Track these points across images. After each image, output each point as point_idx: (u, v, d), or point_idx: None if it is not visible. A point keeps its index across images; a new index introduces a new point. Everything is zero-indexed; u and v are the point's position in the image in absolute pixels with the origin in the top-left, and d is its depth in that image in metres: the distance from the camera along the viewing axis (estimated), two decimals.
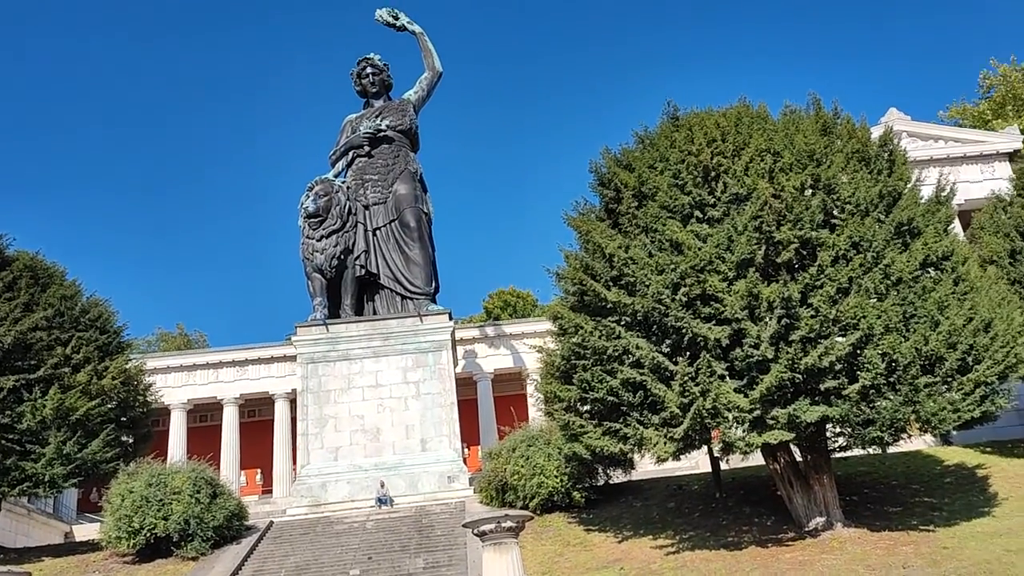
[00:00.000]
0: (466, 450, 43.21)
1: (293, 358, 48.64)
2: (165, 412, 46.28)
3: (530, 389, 49.11)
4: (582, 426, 24.85)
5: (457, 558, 26.61)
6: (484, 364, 50.86)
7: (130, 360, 32.93)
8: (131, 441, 32.18)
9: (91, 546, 30.69)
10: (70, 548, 32.05)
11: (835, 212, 23.21)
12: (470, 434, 45.36)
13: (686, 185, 23.58)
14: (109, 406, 29.70)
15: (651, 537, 25.53)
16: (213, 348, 53.77)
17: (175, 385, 47.53)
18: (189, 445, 46.33)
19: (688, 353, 22.29)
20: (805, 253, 22.76)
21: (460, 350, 46.57)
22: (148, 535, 26.70)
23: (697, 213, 23.40)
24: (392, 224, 40.43)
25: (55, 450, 27.30)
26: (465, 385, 46.07)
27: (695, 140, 24.11)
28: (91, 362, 29.50)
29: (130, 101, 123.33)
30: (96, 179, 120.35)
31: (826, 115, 25.30)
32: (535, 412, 44.89)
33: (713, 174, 23.77)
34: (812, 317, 21.40)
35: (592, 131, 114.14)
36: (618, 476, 31.01)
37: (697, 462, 36.06)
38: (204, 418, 51.68)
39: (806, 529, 23.67)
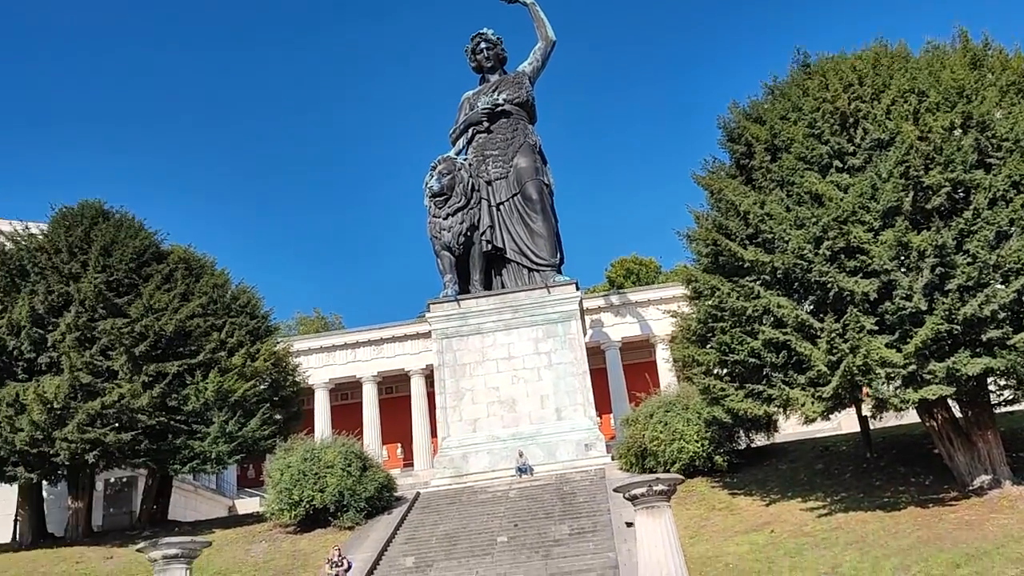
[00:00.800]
0: (598, 419, 43.31)
1: (426, 335, 49.99)
2: (309, 392, 48.45)
3: (659, 355, 48.84)
4: (723, 389, 24.46)
5: (601, 524, 26.81)
6: (611, 333, 50.69)
7: (278, 343, 34.67)
8: (283, 419, 33.88)
9: (255, 518, 32.73)
10: (236, 520, 34.24)
11: (990, 151, 21.70)
12: (600, 403, 45.22)
13: (823, 134, 22.62)
14: (262, 387, 31.36)
15: (800, 499, 24.92)
16: (350, 329, 55.78)
17: (317, 366, 49.56)
18: (333, 422, 48.41)
19: (833, 309, 21.48)
20: (958, 197, 21.47)
21: (587, 320, 46.55)
22: (307, 507, 28.16)
23: (836, 163, 22.43)
24: (515, 198, 40.69)
25: (219, 429, 29.09)
26: (593, 355, 45.98)
27: (830, 86, 23.05)
28: (244, 346, 31.21)
29: (265, 98, 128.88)
30: (231, 173, 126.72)
31: (975, 48, 23.64)
32: (667, 378, 44.69)
33: (851, 120, 22.69)
34: (969, 264, 20.20)
35: (712, 88, 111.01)
36: (760, 439, 30.38)
37: (840, 423, 34.81)
38: (345, 396, 53.84)
39: (970, 488, 22.51)
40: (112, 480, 35.69)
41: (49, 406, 26.59)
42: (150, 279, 30.43)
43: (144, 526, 32.16)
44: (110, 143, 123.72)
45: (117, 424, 27.57)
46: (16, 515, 32.64)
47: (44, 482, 31.34)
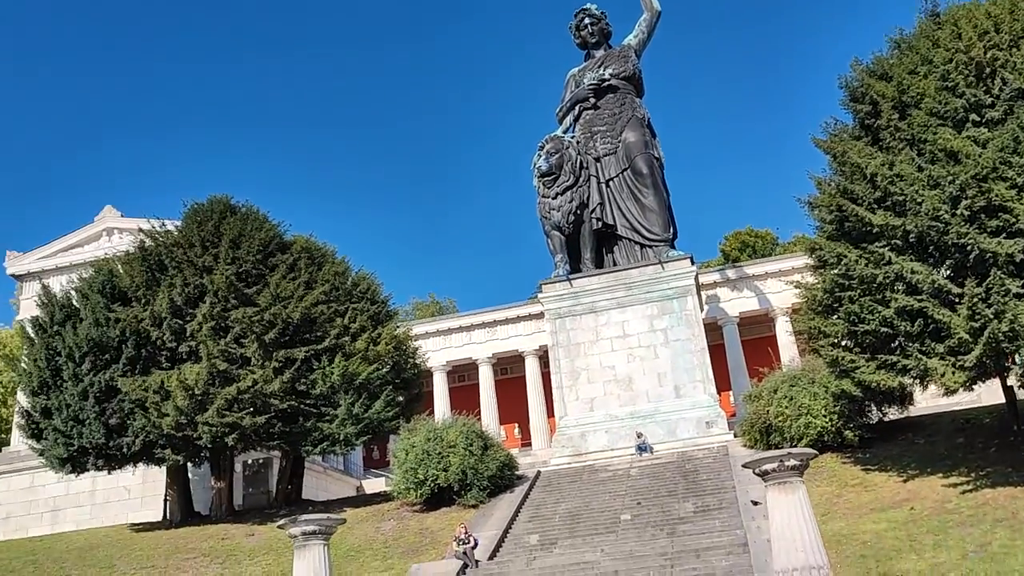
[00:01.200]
0: (718, 396, 42.43)
1: (539, 316, 50.19)
2: (428, 374, 49.53)
3: (780, 329, 47.39)
4: (852, 361, 23.48)
5: (727, 501, 26.31)
6: (728, 308, 49.49)
7: (398, 327, 35.54)
8: (405, 401, 34.74)
9: (382, 497, 33.79)
10: (364, 500, 35.45)
11: None
12: (718, 381, 44.31)
13: (957, 87, 21.25)
14: (384, 370, 32.17)
15: (941, 475, 23.70)
16: (464, 312, 56.57)
17: (433, 349, 50.50)
18: (451, 404, 49.31)
19: (974, 273, 20.24)
20: None
21: (702, 295, 45.61)
22: (432, 486, 28.83)
23: (973, 116, 21.05)
24: (624, 173, 40.16)
25: (345, 411, 30.10)
26: (710, 331, 44.96)
27: (963, 35, 21.61)
28: (366, 330, 32.13)
29: (375, 87, 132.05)
30: (343, 165, 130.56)
31: None
32: (789, 352, 43.32)
33: (988, 70, 21.23)
34: None
35: (829, 48, 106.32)
36: (893, 413, 29.06)
37: (980, 395, 32.89)
38: (462, 378, 54.72)
39: None
40: (249, 462, 37.57)
41: (191, 392, 28.16)
42: (276, 269, 31.69)
43: (280, 505, 33.72)
44: (231, 141, 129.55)
45: (252, 408, 28.94)
46: (166, 495, 34.85)
47: (189, 464, 33.28)
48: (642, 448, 33.59)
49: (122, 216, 45.47)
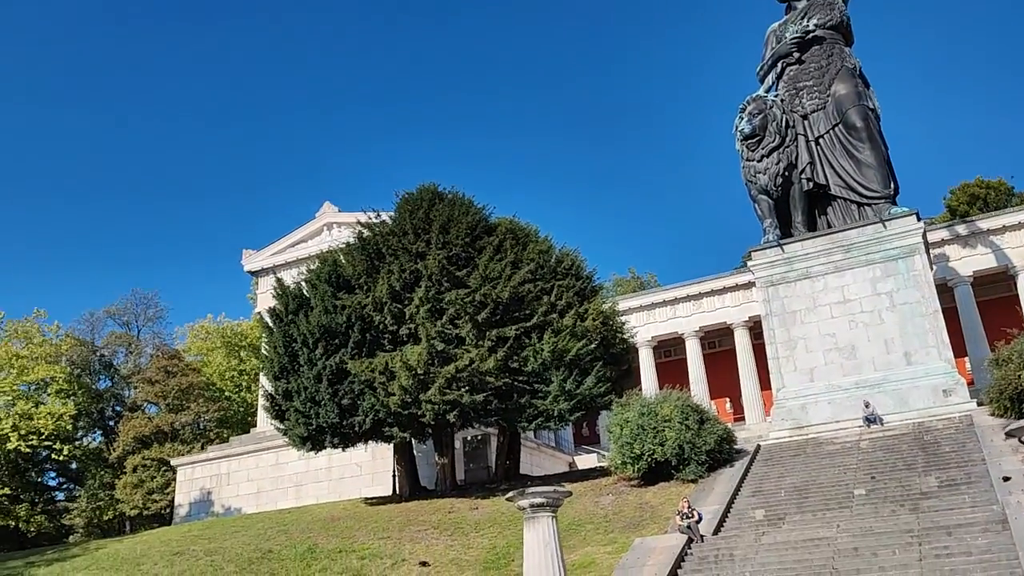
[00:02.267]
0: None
1: (745, 286, 48.52)
2: (633, 350, 49.25)
3: (1023, 287, 42.96)
4: None
5: (976, 475, 24.12)
6: (959, 267, 45.43)
7: (605, 302, 35.50)
8: (615, 376, 34.66)
9: (598, 472, 33.97)
10: (580, 475, 35.84)
11: None
12: (952, 346, 40.79)
13: None
14: (593, 345, 32.23)
15: None
16: (667, 286, 55.67)
17: (638, 324, 50.09)
18: (658, 380, 48.75)
19: None
20: None
21: (930, 254, 42.01)
22: (648, 460, 28.58)
23: None
24: (835, 129, 37.63)
25: (558, 387, 30.49)
26: (939, 293, 41.43)
27: None
28: (573, 307, 32.35)
29: (572, 50, 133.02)
30: (540, 141, 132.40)
31: None
32: None
33: None
34: None
35: None
36: None
37: None
38: (668, 353, 54.00)
39: None
40: (469, 438, 39.11)
41: (413, 372, 29.61)
42: (483, 251, 32.58)
43: (500, 480, 34.81)
44: (434, 125, 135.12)
45: (469, 386, 29.98)
46: (394, 471, 37.03)
47: (414, 441, 35.10)
48: (870, 419, 31.53)
49: (339, 211, 48.64)
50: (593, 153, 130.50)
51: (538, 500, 18.07)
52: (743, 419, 48.38)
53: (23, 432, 61.35)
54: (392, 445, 35.64)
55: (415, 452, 36.78)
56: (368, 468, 41.12)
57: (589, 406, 32.57)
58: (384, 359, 30.45)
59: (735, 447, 31.13)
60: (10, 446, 61.08)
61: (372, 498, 36.75)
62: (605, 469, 33.28)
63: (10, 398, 63.82)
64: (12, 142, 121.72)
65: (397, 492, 36.43)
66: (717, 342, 53.18)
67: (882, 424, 31.20)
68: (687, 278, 52.95)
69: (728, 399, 52.20)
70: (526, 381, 31.07)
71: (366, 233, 34.12)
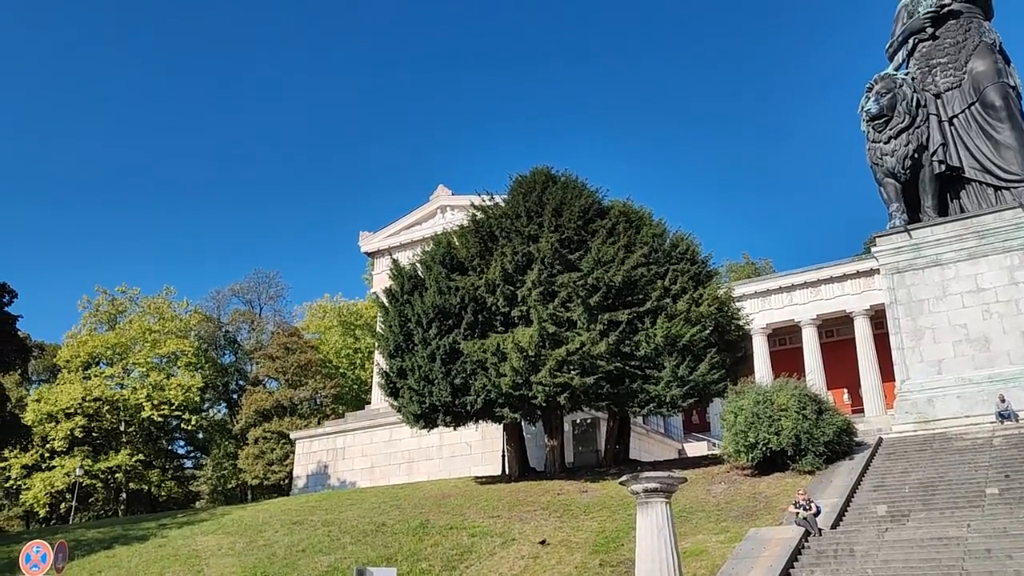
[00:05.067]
0: None
1: (867, 273, 46.53)
2: (747, 337, 48.03)
3: None
4: None
5: None
6: None
7: (720, 287, 34.74)
8: (729, 363, 33.92)
9: (709, 460, 33.43)
10: (691, 462, 35.34)
11: None
12: None
13: None
14: (707, 331, 31.61)
15: None
16: (783, 272, 53.95)
17: (752, 311, 48.72)
18: (773, 368, 47.38)
19: None
20: None
21: None
22: (763, 449, 27.88)
23: None
24: (971, 108, 35.51)
25: (670, 373, 30.09)
26: None
27: None
28: (687, 292, 31.79)
29: (687, 26, 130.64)
30: (655, 120, 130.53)
31: None
32: None
33: None
34: None
35: None
36: None
37: None
38: (783, 341, 52.42)
39: None
40: (578, 421, 39.15)
41: (524, 354, 29.81)
42: (596, 234, 32.40)
43: (609, 464, 34.72)
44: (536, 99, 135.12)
45: (580, 369, 29.95)
46: (503, 451, 37.48)
47: (524, 422, 35.41)
48: (1004, 415, 29.82)
49: (452, 194, 49.34)
50: (707, 137, 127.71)
51: (652, 485, 17.84)
52: (862, 411, 46.52)
53: (156, 402, 65.58)
54: (502, 426, 36.07)
55: (524, 433, 37.09)
56: (478, 447, 41.77)
57: (702, 393, 32.00)
58: (496, 340, 30.76)
59: (855, 439, 29.98)
60: (144, 415, 65.40)
61: (481, 477, 37.32)
62: (717, 457, 32.70)
63: (144, 370, 68.19)
64: (153, 132, 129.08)
65: (506, 472, 36.86)
66: (835, 331, 51.26)
67: (1017, 420, 29.45)
68: (804, 264, 51.25)
69: (846, 390, 50.30)
70: (638, 366, 30.79)
71: (479, 215, 34.48)
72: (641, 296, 31.41)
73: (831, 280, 48.76)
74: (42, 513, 64.91)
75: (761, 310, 50.17)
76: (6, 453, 59.21)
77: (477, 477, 37.54)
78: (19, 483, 65.42)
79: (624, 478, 18.85)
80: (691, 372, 30.62)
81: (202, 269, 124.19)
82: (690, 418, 55.46)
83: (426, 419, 33.59)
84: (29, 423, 58.68)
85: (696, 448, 48.89)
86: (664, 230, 34.31)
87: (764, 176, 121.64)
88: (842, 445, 28.80)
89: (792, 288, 49.91)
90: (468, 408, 32.20)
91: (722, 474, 29.93)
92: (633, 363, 30.70)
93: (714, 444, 47.47)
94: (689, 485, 29.36)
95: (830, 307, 48.80)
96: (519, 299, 31.47)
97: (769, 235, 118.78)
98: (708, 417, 54.34)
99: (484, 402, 31.69)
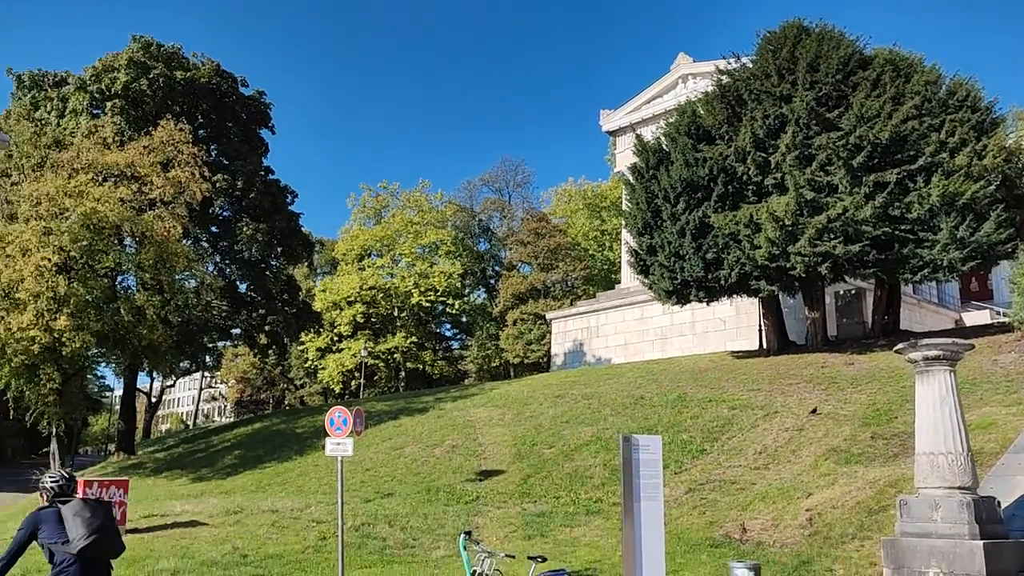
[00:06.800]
0: None
1: None
2: None
3: None
4: None
5: None
6: None
7: (1007, 137, 30.62)
8: (1018, 222, 30.15)
9: (995, 328, 30.44)
10: (972, 331, 32.42)
11: None
12: None
13: None
14: (992, 187, 28.16)
15: None
16: None
17: None
18: None
19: None
20: None
21: None
22: None
23: None
24: None
25: (948, 235, 27.31)
26: None
27: None
28: (968, 144, 28.30)
29: None
30: None
31: None
32: None
33: None
34: None
35: None
36: None
37: None
38: None
39: None
40: (841, 292, 37.04)
41: (780, 223, 28.34)
42: (857, 88, 29.51)
43: (877, 335, 32.68)
44: None
45: (843, 236, 28.03)
46: (760, 325, 36.48)
47: (781, 295, 34.12)
48: None
49: (693, 61, 47.09)
50: None
51: (933, 352, 16.47)
52: None
53: (423, 289, 71.18)
54: (758, 299, 34.99)
55: (782, 307, 35.77)
56: (732, 323, 41.07)
57: (986, 255, 28.79)
58: (749, 211, 29.47)
59: None
60: (413, 301, 71.31)
61: (738, 352, 36.77)
62: (1004, 325, 29.65)
63: (410, 259, 73.93)
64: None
65: (764, 346, 35.96)
66: None
67: None
68: None
69: None
70: (909, 229, 28.21)
71: (725, 79, 32.61)
72: (912, 152, 28.42)
73: None
74: (337, 389, 73.93)
75: None
76: (303, 337, 67.51)
77: (733, 352, 37.05)
78: (316, 364, 74.72)
79: (901, 346, 17.59)
80: (973, 233, 27.55)
81: (453, 160, 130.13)
82: (968, 285, 50.54)
83: (678, 295, 33.34)
84: (319, 311, 66.14)
85: (976, 317, 44.60)
86: (939, 76, 30.45)
87: None
88: None
89: None
90: (721, 282, 31.47)
91: (1011, 343, 27.11)
92: (903, 227, 28.15)
93: (998, 313, 43.10)
94: (972, 355, 26.81)
95: None
96: (772, 166, 29.73)
97: None
98: (990, 284, 49.23)
99: (738, 276, 30.78)
